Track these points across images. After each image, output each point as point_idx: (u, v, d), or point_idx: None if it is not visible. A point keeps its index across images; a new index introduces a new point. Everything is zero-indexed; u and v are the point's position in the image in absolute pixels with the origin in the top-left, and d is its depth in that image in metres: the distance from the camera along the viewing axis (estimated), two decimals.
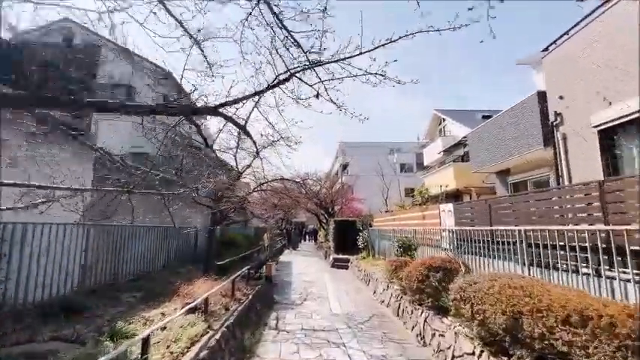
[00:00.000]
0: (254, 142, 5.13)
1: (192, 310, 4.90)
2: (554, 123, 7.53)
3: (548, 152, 9.24)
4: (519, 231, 5.02)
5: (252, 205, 11.09)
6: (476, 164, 13.88)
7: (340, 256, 16.27)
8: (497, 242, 5.55)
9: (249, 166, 7.98)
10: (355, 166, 32.19)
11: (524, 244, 4.89)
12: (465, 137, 22.13)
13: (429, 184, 22.58)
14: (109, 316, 4.65)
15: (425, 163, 29.01)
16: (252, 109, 3.56)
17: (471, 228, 6.59)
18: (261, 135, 6.03)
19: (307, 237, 39.41)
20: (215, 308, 5.48)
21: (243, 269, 7.84)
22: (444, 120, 27.23)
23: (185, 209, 9.23)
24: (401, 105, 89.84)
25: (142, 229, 7.92)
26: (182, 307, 4.95)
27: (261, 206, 14.62)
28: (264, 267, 9.17)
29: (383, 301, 8.19)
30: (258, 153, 6.29)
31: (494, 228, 5.72)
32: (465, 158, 22.71)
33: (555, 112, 7.48)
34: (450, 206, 7.91)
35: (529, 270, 4.82)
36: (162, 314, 4.87)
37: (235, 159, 7.73)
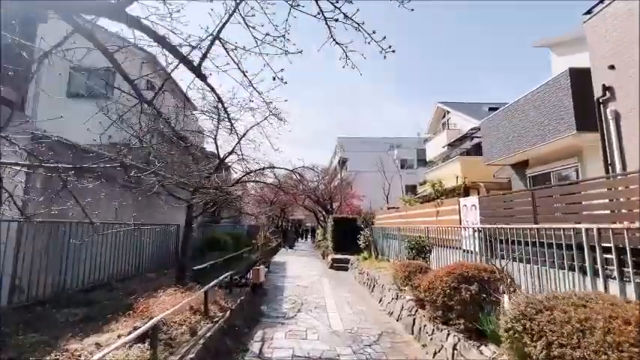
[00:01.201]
0: (219, 99, 3.72)
1: (140, 339, 3.56)
2: (602, 99, 6.21)
3: (581, 138, 7.98)
4: (587, 230, 3.70)
5: (242, 199, 9.71)
6: (489, 155, 12.57)
7: (339, 256, 15.00)
8: (550, 245, 4.23)
9: (232, 152, 6.62)
10: (354, 163, 30.89)
11: (597, 248, 3.57)
12: (472, 129, 20.88)
13: (433, 179, 21.32)
14: (19, 350, 3.29)
15: (427, 159, 27.81)
16: (215, 39, 2.23)
17: (505, 226, 5.28)
18: (234, 97, 4.56)
19: (304, 235, 38.15)
20: (177, 332, 4.13)
21: (225, 275, 6.50)
22: (447, 113, 25.96)
23: (167, 205, 7.87)
24: (401, 101, 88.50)
25: (103, 228, 6.54)
26: (130, 333, 3.61)
27: (253, 201, 13.23)
28: (251, 271, 7.82)
29: (392, 314, 6.87)
30: (230, 120, 4.89)
31: (544, 226, 4.40)
32: (471, 152, 21.44)
33: (604, 85, 6.16)
34: (473, 200, 6.59)
35: (605, 284, 3.51)
36: (98, 345, 3.52)
37: (215, 142, 6.36)
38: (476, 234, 6.21)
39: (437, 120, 27.93)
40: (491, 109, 24.28)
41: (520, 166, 11.69)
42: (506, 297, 3.80)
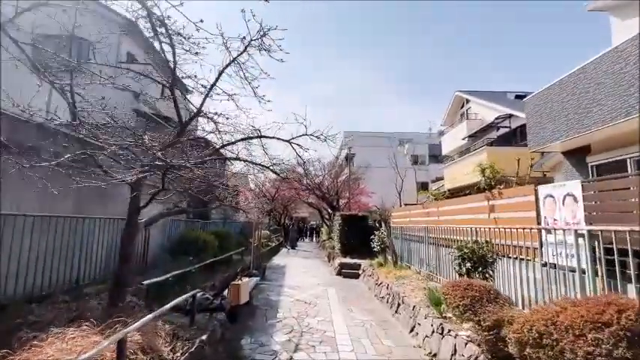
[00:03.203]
0: None
1: None
2: None
3: None
4: None
5: (224, 187, 7.46)
6: (537, 140, 10.15)
7: (348, 260, 12.74)
8: None
9: (199, 111, 4.37)
10: (362, 158, 28.55)
11: None
12: (498, 118, 18.48)
13: (451, 175, 18.98)
14: None
15: (443, 152, 25.48)
16: None
17: None
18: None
19: (308, 234, 35.85)
20: None
21: (184, 296, 4.25)
22: (467, 102, 23.53)
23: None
24: (408, 101, 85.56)
25: (19, 222, 4.32)
26: None
27: (248, 193, 10.96)
28: (230, 289, 5.56)
29: (435, 356, 4.58)
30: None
31: None
32: (494, 143, 18.92)
33: None
34: (569, 187, 4.25)
35: None
36: None
37: (171, 90, 4.10)
38: (580, 240, 3.88)
39: (454, 111, 25.54)
40: (518, 97, 21.75)
41: (577, 154, 9.27)
42: None
